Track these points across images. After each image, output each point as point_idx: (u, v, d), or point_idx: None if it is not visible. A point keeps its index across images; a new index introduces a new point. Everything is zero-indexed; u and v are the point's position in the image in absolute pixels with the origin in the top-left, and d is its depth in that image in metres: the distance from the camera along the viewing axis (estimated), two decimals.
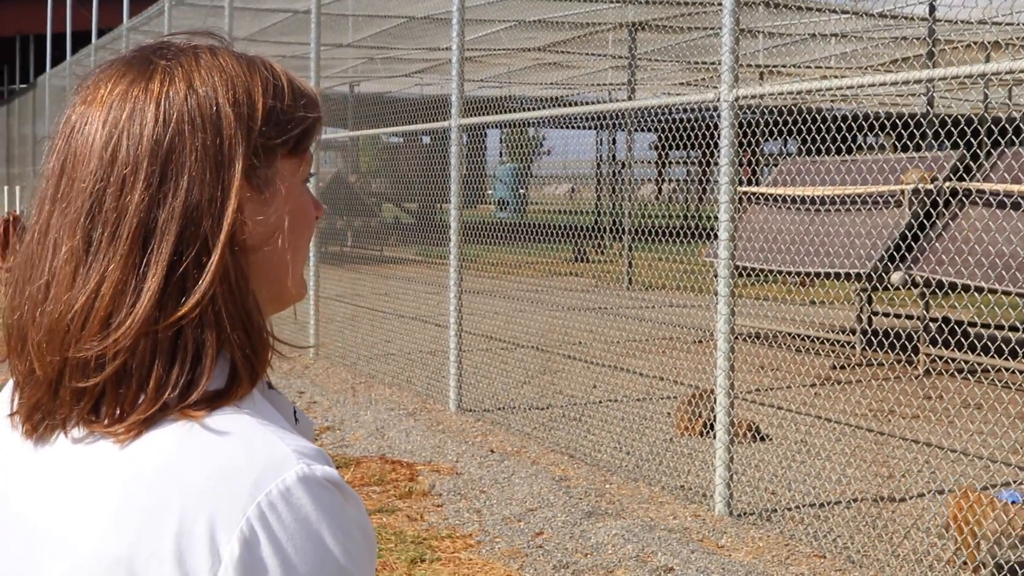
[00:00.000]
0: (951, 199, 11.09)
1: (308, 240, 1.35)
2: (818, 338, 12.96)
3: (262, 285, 1.28)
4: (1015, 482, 7.57)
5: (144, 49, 1.29)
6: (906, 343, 10.41)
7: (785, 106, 19.39)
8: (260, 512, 1.12)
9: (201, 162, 1.21)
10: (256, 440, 1.17)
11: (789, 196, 12.78)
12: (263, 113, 1.26)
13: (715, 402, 7.00)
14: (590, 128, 26.65)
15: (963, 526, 5.64)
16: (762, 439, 8.63)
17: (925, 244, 10.97)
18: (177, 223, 1.19)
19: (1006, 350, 10.01)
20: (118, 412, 1.18)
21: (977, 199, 10.76)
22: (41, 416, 1.23)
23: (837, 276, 12.08)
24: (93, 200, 1.21)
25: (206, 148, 1.21)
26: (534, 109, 20.85)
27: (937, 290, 11.27)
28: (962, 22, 16.39)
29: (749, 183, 16.72)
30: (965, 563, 5.76)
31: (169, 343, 1.18)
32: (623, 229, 20.23)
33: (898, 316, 14.19)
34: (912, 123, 14.48)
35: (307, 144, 1.32)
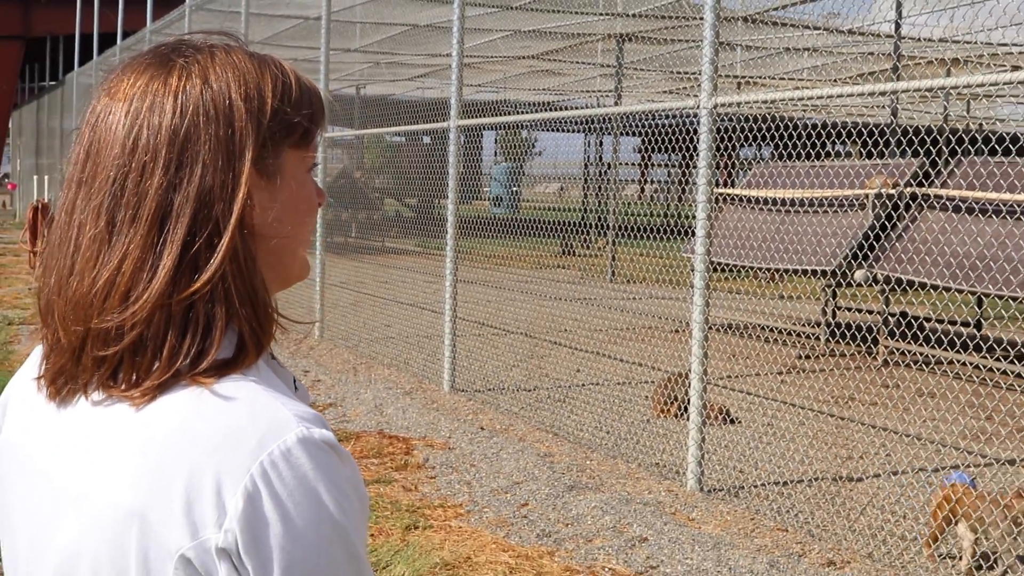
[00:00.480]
0: (911, 203, 11.12)
1: (311, 224, 1.36)
2: (786, 330, 12.98)
3: (268, 265, 1.29)
4: (964, 465, 7.60)
5: (164, 47, 1.30)
6: (867, 336, 10.45)
7: (760, 114, 19.42)
8: (263, 470, 1.14)
9: (214, 151, 1.22)
10: (260, 405, 1.19)
11: (762, 198, 12.80)
12: (272, 108, 1.27)
13: (689, 385, 7.02)
14: (579, 131, 26.65)
15: (938, 512, 5.57)
16: (732, 422, 8.66)
17: (886, 245, 11.00)
18: (192, 206, 1.21)
19: (958, 343, 10.04)
20: (135, 378, 1.20)
21: (935, 204, 10.79)
22: (64, 380, 1.25)
23: (805, 273, 12.12)
24: (116, 184, 1.22)
25: (219, 138, 1.23)
26: (527, 113, 20.85)
27: (896, 287, 11.31)
28: (925, 40, 16.41)
29: (725, 185, 16.74)
30: (928, 543, 5.73)
31: (182, 316, 1.20)
32: (608, 226, 20.22)
33: (860, 311, 14.23)
34: (877, 132, 14.51)
35: (311, 137, 1.33)
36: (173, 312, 1.20)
